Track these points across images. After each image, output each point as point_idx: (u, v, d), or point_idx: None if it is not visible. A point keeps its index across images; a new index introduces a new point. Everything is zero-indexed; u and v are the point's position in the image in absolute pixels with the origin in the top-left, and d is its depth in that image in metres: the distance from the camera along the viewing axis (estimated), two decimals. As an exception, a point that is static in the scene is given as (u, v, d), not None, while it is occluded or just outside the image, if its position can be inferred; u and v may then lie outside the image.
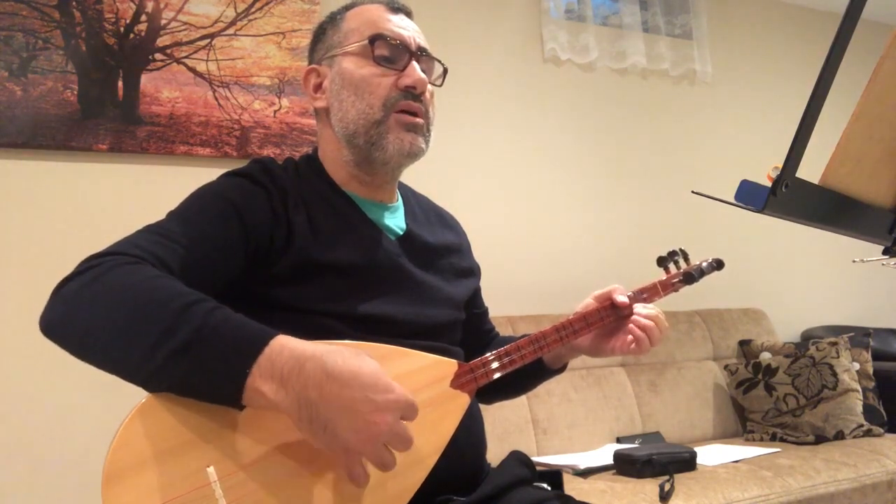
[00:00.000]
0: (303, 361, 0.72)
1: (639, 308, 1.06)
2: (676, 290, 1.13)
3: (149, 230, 0.87)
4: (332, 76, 1.03)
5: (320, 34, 1.08)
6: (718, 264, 1.17)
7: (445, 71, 1.09)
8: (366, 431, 0.72)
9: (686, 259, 1.15)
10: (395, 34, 1.01)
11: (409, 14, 1.08)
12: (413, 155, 1.01)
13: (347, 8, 1.07)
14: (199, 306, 0.75)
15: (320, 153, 1.07)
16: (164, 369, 0.73)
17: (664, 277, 1.13)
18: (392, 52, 1.01)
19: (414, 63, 1.01)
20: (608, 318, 1.06)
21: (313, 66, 1.07)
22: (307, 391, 0.71)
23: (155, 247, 0.83)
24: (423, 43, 1.05)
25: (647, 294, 1.10)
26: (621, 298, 1.05)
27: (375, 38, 1.00)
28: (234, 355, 0.73)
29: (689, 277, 1.13)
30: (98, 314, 0.76)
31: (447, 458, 0.87)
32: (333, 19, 1.07)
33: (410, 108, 1.00)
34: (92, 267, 0.79)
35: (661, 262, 1.14)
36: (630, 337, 1.05)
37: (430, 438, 0.86)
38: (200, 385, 0.74)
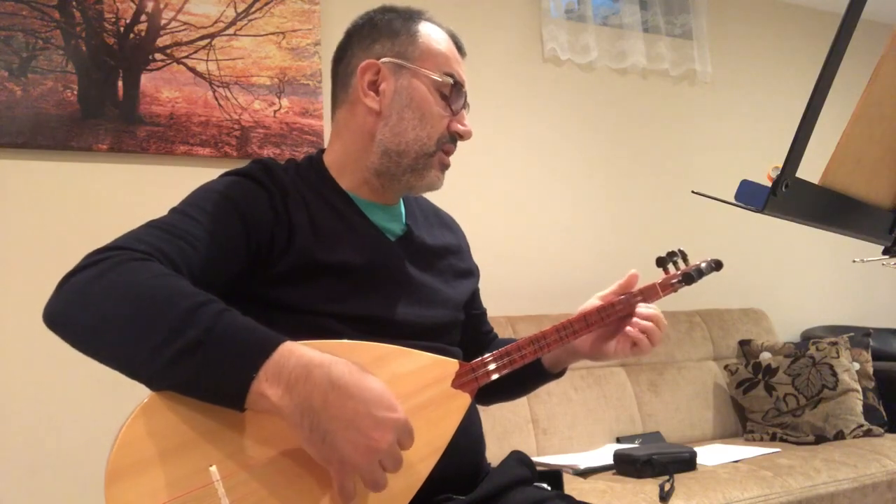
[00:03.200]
0: (310, 369, 0.73)
1: (638, 309, 1.06)
2: (675, 291, 1.13)
3: (152, 225, 0.87)
4: (397, 87, 1.01)
5: (388, 29, 1.03)
6: (717, 265, 1.17)
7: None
8: (364, 446, 0.72)
9: (685, 259, 1.15)
10: (462, 81, 1.05)
11: (464, 57, 1.10)
12: (433, 190, 1.05)
13: (420, 17, 1.05)
14: (208, 307, 0.75)
15: (330, 150, 1.06)
16: (171, 368, 0.73)
17: (663, 278, 1.13)
18: (457, 97, 1.03)
19: (464, 112, 1.05)
20: (608, 318, 1.06)
21: (374, 61, 1.01)
22: (312, 399, 0.72)
23: (159, 242, 0.83)
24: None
25: (646, 295, 1.10)
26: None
27: (454, 80, 1.02)
28: (242, 358, 0.73)
29: (689, 278, 1.13)
30: (105, 309, 0.76)
31: (446, 458, 0.87)
32: (408, 24, 1.03)
33: (450, 152, 1.04)
34: (99, 261, 0.79)
35: (660, 262, 1.14)
36: (630, 338, 1.05)
37: (431, 438, 0.86)
38: (205, 385, 0.74)
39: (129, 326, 0.75)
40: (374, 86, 1.02)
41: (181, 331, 0.73)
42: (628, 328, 1.05)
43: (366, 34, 1.04)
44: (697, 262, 1.16)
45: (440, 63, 1.02)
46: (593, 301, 1.09)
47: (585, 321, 1.05)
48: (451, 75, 1.02)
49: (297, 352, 0.74)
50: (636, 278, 1.09)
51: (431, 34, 1.04)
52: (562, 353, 1.11)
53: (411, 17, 1.05)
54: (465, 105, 1.06)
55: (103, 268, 0.78)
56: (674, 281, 1.13)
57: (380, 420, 0.72)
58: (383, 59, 1.01)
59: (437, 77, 1.01)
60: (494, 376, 0.95)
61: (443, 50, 1.03)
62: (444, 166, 1.04)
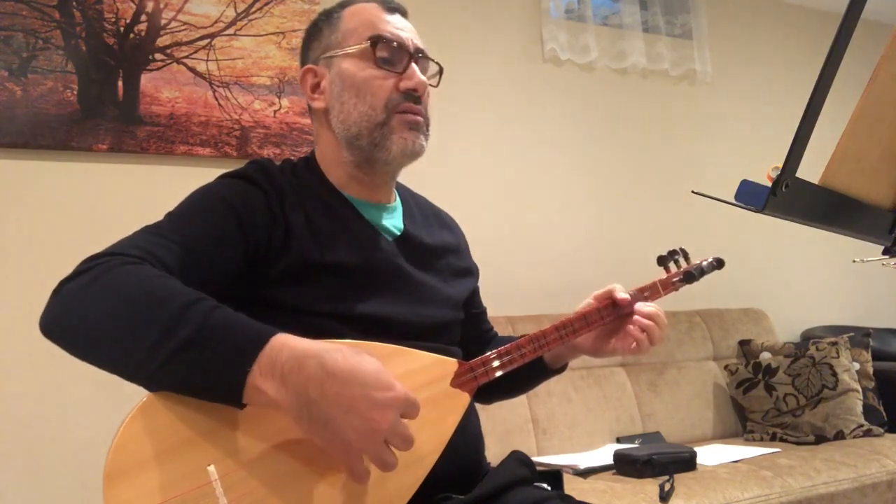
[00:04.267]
0: (303, 360, 0.73)
1: (639, 307, 1.06)
2: (677, 290, 1.13)
3: (147, 231, 0.88)
4: (331, 77, 1.02)
5: (315, 33, 1.07)
6: (719, 263, 1.17)
7: (441, 70, 1.10)
8: (366, 429, 0.72)
9: (686, 258, 1.15)
10: (394, 35, 1.01)
11: (404, 14, 1.07)
12: (415, 154, 1.01)
13: (343, 6, 1.06)
14: (199, 305, 0.75)
15: (317, 154, 1.07)
16: (165, 368, 0.73)
17: (664, 276, 1.13)
18: (392, 54, 1.01)
19: (413, 65, 1.01)
20: (608, 317, 1.06)
21: (310, 66, 1.05)
22: (308, 389, 0.72)
23: (154, 247, 0.84)
24: (420, 43, 1.05)
25: (647, 293, 1.10)
26: (622, 295, 1.06)
27: (376, 41, 1.00)
28: (235, 353, 0.73)
29: (690, 276, 1.13)
30: (99, 314, 0.76)
31: (446, 457, 0.88)
32: (329, 17, 1.05)
33: (411, 110, 1.00)
34: (92, 268, 0.79)
35: (662, 261, 1.14)
36: (631, 337, 1.05)
37: (430, 437, 0.86)
38: (201, 383, 0.74)
39: (123, 330, 0.75)
40: (317, 88, 1.04)
41: (173, 330, 0.73)
42: (629, 326, 1.05)
43: (304, 47, 1.09)
44: (698, 261, 1.16)
45: (361, 33, 1.01)
46: (589, 301, 1.09)
47: (585, 320, 1.05)
48: (378, 37, 1.00)
49: (290, 343, 0.74)
50: (616, 290, 1.07)
51: (350, 12, 1.04)
52: (563, 349, 1.11)
53: (332, 10, 1.06)
54: (414, 59, 1.02)
55: (95, 274, 0.78)
56: (675, 279, 1.13)
57: (378, 401, 0.72)
58: (317, 61, 1.04)
59: (360, 47, 1.00)
60: (493, 375, 0.95)
61: (363, 18, 1.02)
62: (410, 125, 1.00)
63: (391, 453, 0.74)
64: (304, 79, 1.06)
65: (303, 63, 1.08)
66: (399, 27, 1.03)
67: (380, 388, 0.73)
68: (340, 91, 1.01)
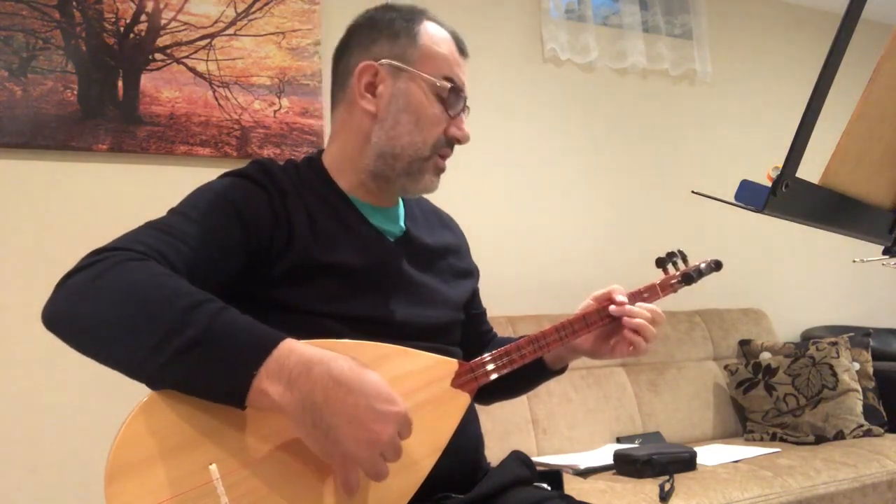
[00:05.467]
0: (310, 365, 0.73)
1: (629, 309, 1.05)
2: (675, 291, 1.14)
3: (151, 226, 0.87)
4: (394, 90, 1.00)
5: (390, 31, 1.01)
6: (717, 265, 1.17)
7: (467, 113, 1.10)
8: (367, 440, 0.72)
9: (685, 260, 1.16)
10: (462, 84, 1.03)
11: (467, 59, 1.07)
12: (428, 192, 1.05)
13: (421, 16, 1.03)
14: (207, 306, 0.76)
15: (328, 151, 1.06)
16: (170, 366, 0.73)
17: (663, 278, 1.13)
18: (455, 101, 1.02)
19: (463, 116, 1.03)
20: (608, 319, 1.06)
21: (372, 62, 1.00)
22: (313, 395, 0.72)
23: (158, 243, 0.84)
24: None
25: (645, 295, 1.10)
26: (620, 298, 1.06)
27: (452, 84, 1.01)
28: (243, 355, 0.73)
29: (688, 278, 1.14)
30: (104, 309, 0.76)
31: (446, 457, 0.88)
32: (410, 26, 1.01)
33: (447, 156, 1.03)
34: (97, 262, 0.79)
35: (660, 263, 1.14)
36: (627, 339, 1.05)
37: (430, 437, 0.86)
38: (206, 383, 0.74)
39: (128, 326, 0.75)
40: (371, 87, 1.01)
41: (180, 330, 0.73)
42: (623, 331, 1.05)
43: (365, 34, 1.03)
44: (697, 263, 1.16)
45: (440, 66, 1.01)
46: (588, 302, 1.09)
47: (585, 321, 1.05)
48: (450, 79, 1.01)
49: (298, 349, 0.74)
50: (615, 292, 1.08)
51: (433, 35, 1.02)
52: (562, 350, 1.11)
53: (413, 17, 1.03)
54: (465, 109, 1.05)
55: (101, 268, 0.78)
56: (673, 281, 1.13)
57: (381, 413, 0.73)
58: (382, 61, 1.00)
59: (435, 81, 1.00)
60: (494, 376, 0.95)
61: (444, 52, 1.01)
62: (440, 170, 1.04)
63: (385, 465, 0.75)
64: (363, 73, 1.00)
65: (359, 50, 1.02)
66: (465, 74, 1.05)
67: (383, 400, 0.74)
68: (400, 109, 0.99)
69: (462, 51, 1.06)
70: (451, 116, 1.02)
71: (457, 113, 1.03)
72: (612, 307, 1.05)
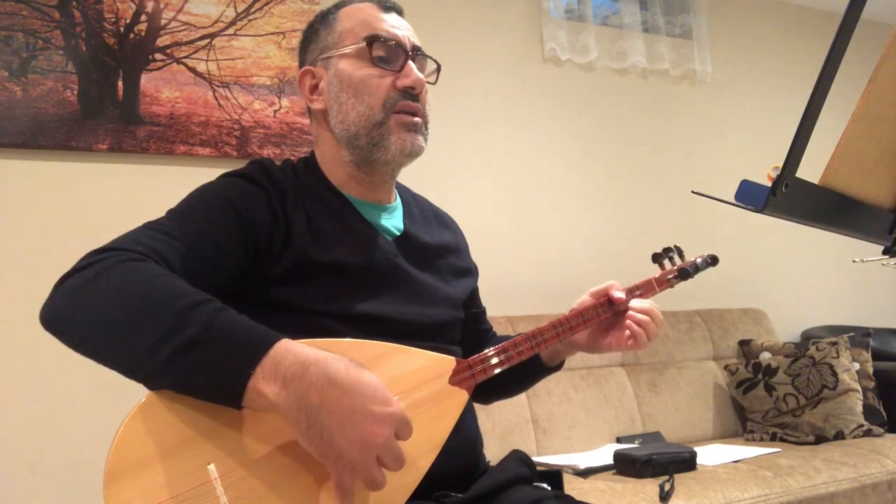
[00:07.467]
0: (307, 366, 0.73)
1: (634, 303, 1.07)
2: (672, 286, 1.14)
3: (150, 227, 0.88)
4: (328, 78, 1.03)
5: (312, 34, 1.07)
6: (713, 260, 1.18)
7: (439, 68, 1.10)
8: (361, 441, 0.72)
9: (681, 255, 1.16)
10: (391, 34, 1.02)
11: (400, 12, 1.08)
12: (414, 154, 1.02)
13: (339, 6, 1.06)
14: (205, 306, 0.75)
15: (317, 154, 1.07)
16: (167, 367, 0.73)
17: (659, 273, 1.14)
18: (388, 53, 1.01)
19: (410, 63, 1.02)
20: (605, 314, 1.07)
21: (308, 67, 1.06)
22: (309, 395, 0.72)
23: (156, 244, 0.84)
24: (417, 41, 1.05)
25: (642, 290, 1.11)
26: (618, 294, 1.06)
27: (372, 40, 1.00)
28: (239, 356, 0.73)
29: (684, 273, 1.14)
30: (102, 309, 0.76)
31: (444, 455, 0.88)
32: (325, 19, 1.06)
33: (409, 108, 1.01)
34: (95, 262, 0.79)
35: (656, 258, 1.15)
36: (627, 332, 1.05)
37: (429, 435, 0.86)
38: (202, 384, 0.74)
39: (126, 326, 0.75)
40: (315, 89, 1.05)
41: (178, 329, 0.73)
42: (626, 321, 1.06)
43: (301, 49, 1.09)
44: (693, 258, 1.17)
45: (358, 32, 1.02)
46: (585, 298, 1.09)
47: (582, 317, 1.06)
48: (374, 36, 1.01)
49: (294, 349, 0.74)
50: (613, 288, 1.08)
51: (348, 12, 1.04)
52: (559, 346, 1.12)
53: (329, 11, 1.07)
54: (410, 56, 1.03)
55: (99, 269, 0.78)
56: (669, 276, 1.14)
57: (376, 414, 0.72)
58: (315, 62, 1.05)
59: (356, 46, 1.01)
60: (491, 373, 0.95)
61: (359, 19, 1.03)
62: (408, 126, 1.00)
63: (381, 471, 0.74)
64: (303, 80, 1.06)
65: (301, 65, 1.09)
66: (395, 25, 1.03)
67: (378, 401, 0.73)
68: (338, 91, 1.01)
69: (384, 7, 1.06)
70: (395, 71, 1.01)
71: (400, 64, 1.01)
72: (616, 293, 1.06)
